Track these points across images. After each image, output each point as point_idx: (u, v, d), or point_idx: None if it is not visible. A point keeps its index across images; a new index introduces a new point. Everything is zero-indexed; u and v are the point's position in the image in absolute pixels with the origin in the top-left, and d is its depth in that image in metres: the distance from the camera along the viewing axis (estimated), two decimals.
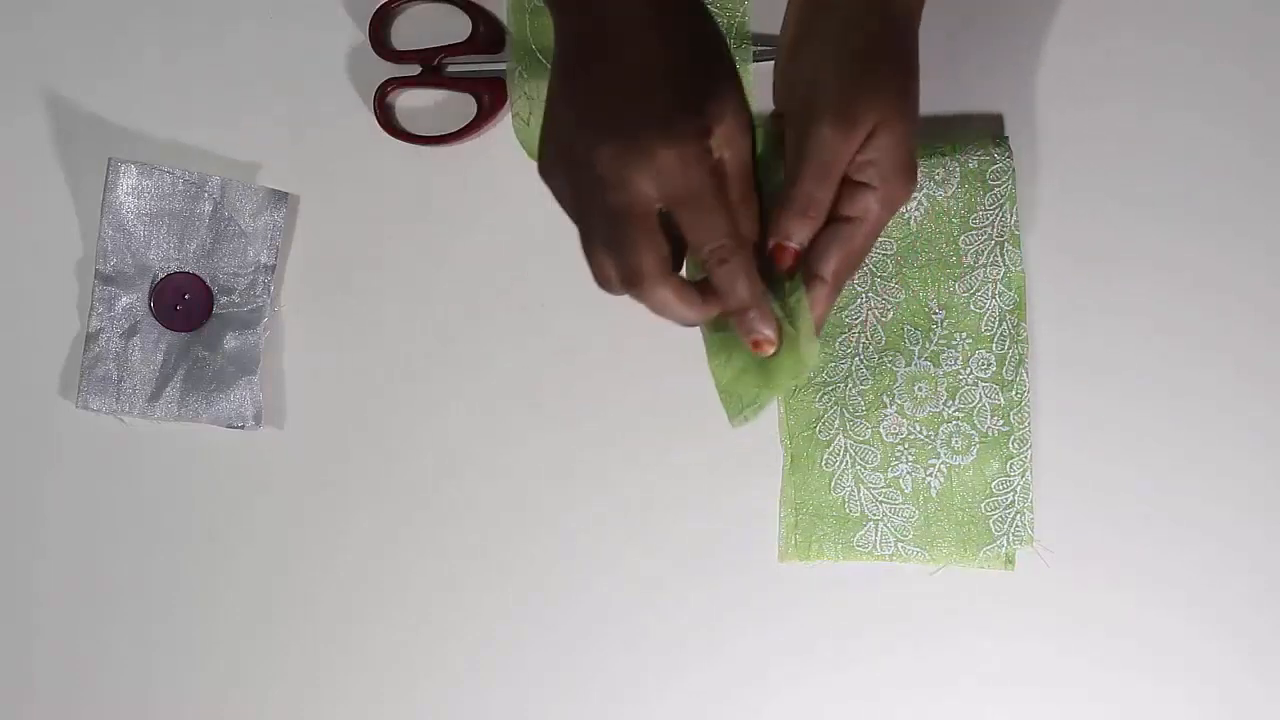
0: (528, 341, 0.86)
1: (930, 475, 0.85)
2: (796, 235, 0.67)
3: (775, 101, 0.70)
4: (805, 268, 0.67)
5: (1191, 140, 0.86)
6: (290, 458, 0.86)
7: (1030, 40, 0.86)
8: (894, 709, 0.85)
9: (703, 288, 0.67)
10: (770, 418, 0.86)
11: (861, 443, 0.85)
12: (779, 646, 0.85)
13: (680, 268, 0.67)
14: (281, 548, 0.86)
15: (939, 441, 0.85)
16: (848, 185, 0.67)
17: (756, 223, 0.67)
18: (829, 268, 0.67)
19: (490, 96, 0.87)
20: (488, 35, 0.87)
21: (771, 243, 0.67)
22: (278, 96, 0.87)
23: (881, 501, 0.85)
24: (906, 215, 0.84)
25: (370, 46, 0.87)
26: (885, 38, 0.66)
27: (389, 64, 0.87)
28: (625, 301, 0.86)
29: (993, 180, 0.85)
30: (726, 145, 0.65)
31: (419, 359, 0.87)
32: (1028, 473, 0.85)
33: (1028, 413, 0.85)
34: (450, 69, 0.88)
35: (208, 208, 0.85)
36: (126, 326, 0.85)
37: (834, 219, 0.67)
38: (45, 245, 0.86)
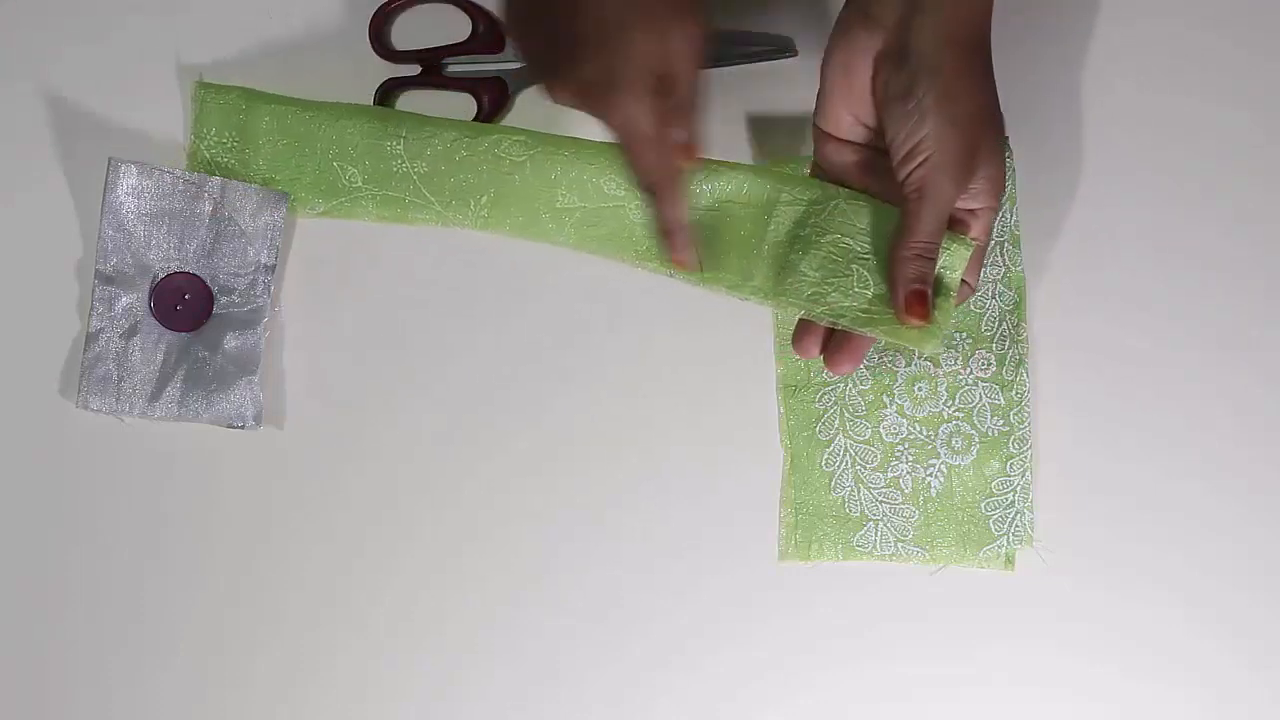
0: (529, 340, 0.87)
1: (930, 475, 0.85)
2: (929, 277, 0.76)
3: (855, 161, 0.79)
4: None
5: (1193, 135, 0.86)
6: (290, 458, 0.86)
7: (1029, 42, 0.86)
8: (894, 709, 0.85)
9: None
10: (770, 419, 0.86)
11: (861, 443, 0.85)
12: (778, 647, 0.85)
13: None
14: (282, 548, 0.86)
15: (939, 441, 0.85)
16: (966, 214, 0.77)
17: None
18: (973, 279, 0.78)
19: (490, 97, 0.87)
20: (488, 35, 0.87)
21: (910, 289, 0.75)
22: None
23: (881, 501, 0.85)
24: None
25: (370, 46, 0.87)
26: (984, 95, 0.75)
27: (389, 64, 0.87)
28: (630, 298, 0.86)
29: None
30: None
31: (418, 358, 0.87)
32: (1028, 473, 0.85)
33: (1028, 413, 0.85)
34: (450, 69, 0.88)
35: (208, 208, 0.85)
36: (126, 326, 0.85)
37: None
38: (45, 245, 0.86)
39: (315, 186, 0.86)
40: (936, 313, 0.76)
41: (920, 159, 0.73)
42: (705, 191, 0.82)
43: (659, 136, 0.73)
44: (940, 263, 0.76)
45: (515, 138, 0.85)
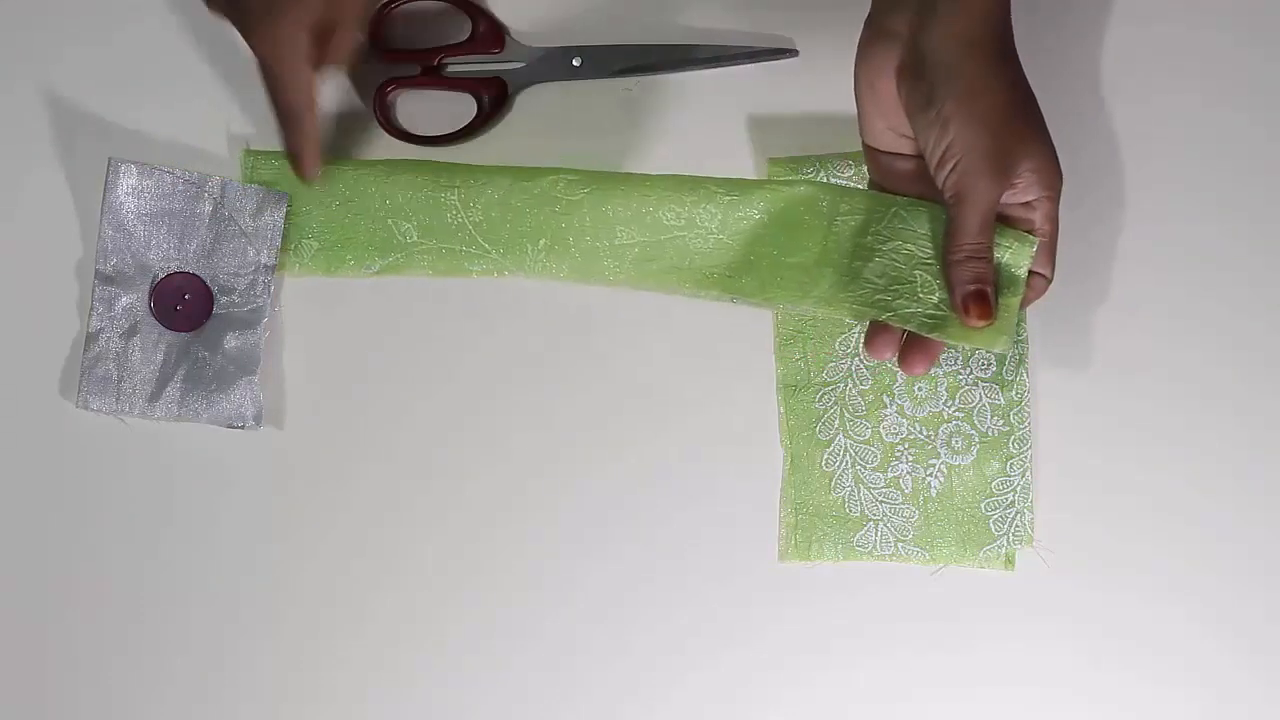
0: (529, 340, 0.86)
1: (930, 475, 0.85)
2: (986, 277, 0.76)
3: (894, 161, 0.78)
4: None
5: (1194, 136, 0.86)
6: (290, 458, 0.86)
7: (1029, 42, 0.86)
8: (894, 709, 0.85)
9: None
10: (770, 419, 0.86)
11: (861, 443, 0.85)
12: (778, 647, 0.85)
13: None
14: (282, 548, 0.86)
15: (939, 441, 0.85)
16: (1024, 208, 0.76)
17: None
18: (1047, 270, 0.78)
19: (490, 97, 0.87)
20: (488, 35, 0.87)
21: (966, 291, 0.76)
22: None
23: (881, 501, 0.85)
24: None
25: (370, 46, 0.87)
26: (1010, 89, 0.74)
27: (389, 64, 0.87)
28: (631, 299, 0.86)
29: None
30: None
31: (419, 359, 0.86)
32: (1028, 473, 0.85)
33: (1028, 413, 0.85)
34: (450, 69, 0.88)
35: (208, 208, 0.85)
36: (126, 326, 0.85)
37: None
38: (45, 245, 0.86)
39: (369, 245, 0.85)
40: (1001, 310, 0.76)
41: (951, 164, 0.73)
42: (767, 208, 0.82)
43: (305, 72, 0.78)
44: (1004, 260, 0.76)
45: (569, 177, 0.84)
